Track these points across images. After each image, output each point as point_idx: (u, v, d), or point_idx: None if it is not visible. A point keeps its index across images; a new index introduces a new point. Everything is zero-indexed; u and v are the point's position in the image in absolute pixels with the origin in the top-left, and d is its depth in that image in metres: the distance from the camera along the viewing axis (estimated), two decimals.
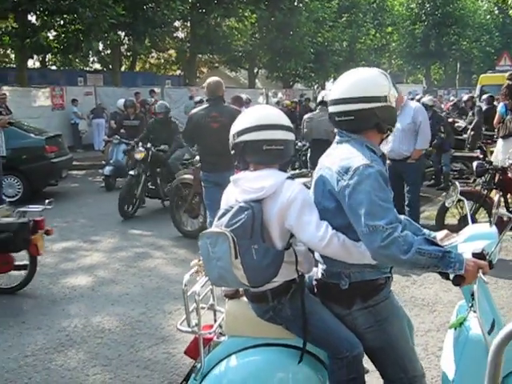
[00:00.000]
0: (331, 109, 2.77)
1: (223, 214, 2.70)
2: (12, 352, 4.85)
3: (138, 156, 9.97)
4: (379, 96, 2.68)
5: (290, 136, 2.85)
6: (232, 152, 2.88)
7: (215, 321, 3.25)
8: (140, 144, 10.33)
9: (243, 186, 2.76)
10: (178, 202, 8.56)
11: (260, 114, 2.87)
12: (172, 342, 4.89)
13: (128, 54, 30.10)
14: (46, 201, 6.18)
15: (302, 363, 2.83)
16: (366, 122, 2.70)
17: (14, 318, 5.57)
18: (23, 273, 6.26)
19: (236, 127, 2.85)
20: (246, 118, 2.84)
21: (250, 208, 2.63)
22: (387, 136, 2.85)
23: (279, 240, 2.72)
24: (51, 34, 23.53)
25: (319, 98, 8.89)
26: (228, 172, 2.95)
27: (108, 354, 4.75)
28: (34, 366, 4.59)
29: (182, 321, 2.97)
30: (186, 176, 8.65)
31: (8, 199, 10.73)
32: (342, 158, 2.64)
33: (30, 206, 6.30)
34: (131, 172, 9.89)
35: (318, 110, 8.79)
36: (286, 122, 2.87)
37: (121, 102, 14.92)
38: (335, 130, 2.85)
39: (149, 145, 10.11)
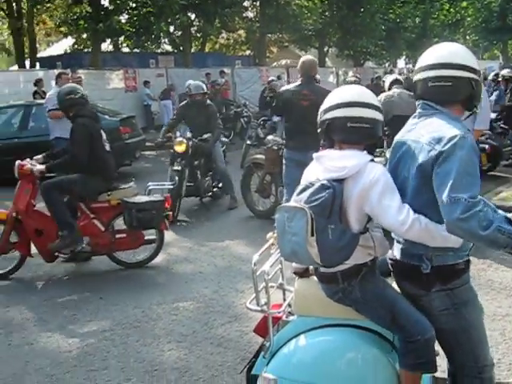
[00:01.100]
0: (425, 74, 2.71)
1: (303, 190, 2.69)
2: (91, 326, 5.04)
3: (180, 148, 8.62)
4: (475, 69, 2.67)
5: (378, 115, 2.78)
6: (318, 130, 2.87)
7: (284, 300, 3.28)
8: (178, 134, 9.25)
9: (326, 164, 2.74)
10: (248, 181, 8.59)
11: (347, 92, 2.85)
12: (245, 320, 4.95)
13: (198, 35, 30.30)
14: (131, 181, 6.59)
15: (372, 345, 2.83)
16: (462, 91, 2.66)
17: (93, 295, 5.77)
18: (149, 248, 6.59)
19: (324, 105, 2.85)
20: (333, 96, 2.84)
21: (331, 187, 2.60)
22: (470, 115, 2.77)
23: (356, 223, 2.70)
24: (123, 18, 23.97)
25: (389, 80, 8.72)
26: (313, 152, 2.92)
27: (182, 331, 4.86)
28: (111, 340, 4.76)
29: (252, 299, 3.01)
30: (258, 156, 8.67)
31: None
32: (431, 130, 2.59)
33: (156, 184, 6.88)
34: (175, 167, 8.72)
35: (394, 89, 8.62)
36: (374, 100, 2.80)
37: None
38: (417, 103, 2.78)
39: (188, 134, 8.89)
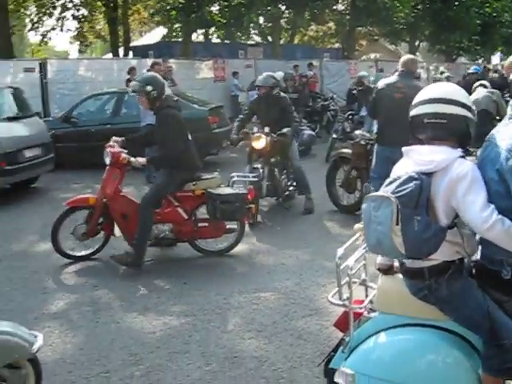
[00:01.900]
0: None
1: (391, 182, 2.73)
2: (174, 310, 5.18)
3: (258, 145, 8.03)
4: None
5: (457, 110, 2.74)
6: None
7: (366, 296, 3.28)
8: (255, 129, 8.48)
9: (414, 158, 2.76)
10: (334, 176, 8.54)
11: (428, 89, 2.86)
12: (325, 314, 4.96)
13: (288, 26, 30.32)
14: (216, 172, 6.65)
15: (454, 347, 2.79)
16: None
17: (177, 279, 5.92)
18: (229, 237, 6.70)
19: (412, 102, 2.86)
20: (419, 94, 2.87)
21: (419, 179, 2.62)
22: None
23: (443, 216, 2.68)
24: (215, 8, 24.29)
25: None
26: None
27: (263, 321, 4.93)
28: (193, 325, 4.89)
29: (334, 293, 3.03)
30: (345, 150, 8.61)
31: None
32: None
33: (240, 175, 7.17)
34: (254, 165, 8.11)
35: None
36: (456, 96, 2.77)
37: (279, 74, 15.10)
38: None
39: (266, 129, 8.15)
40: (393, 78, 7.06)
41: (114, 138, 6.57)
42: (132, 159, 6.22)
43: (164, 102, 6.25)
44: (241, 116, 8.70)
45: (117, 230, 6.39)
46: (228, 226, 6.60)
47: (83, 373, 4.16)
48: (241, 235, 6.66)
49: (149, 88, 6.14)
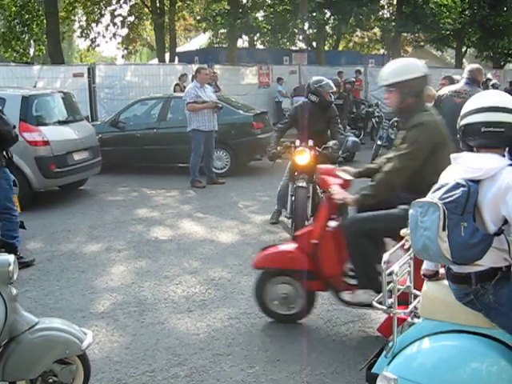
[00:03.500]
0: None
1: (438, 188, 2.75)
2: (218, 313, 5.25)
3: (302, 160, 7.16)
4: None
5: None
6: (457, 136, 2.90)
7: (410, 302, 3.28)
8: (298, 142, 7.43)
9: (462, 165, 2.76)
10: None
11: (483, 97, 2.85)
12: (368, 321, 4.98)
13: (332, 32, 30.27)
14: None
15: (499, 355, 2.78)
16: None
17: (222, 284, 6.02)
18: None
19: (461, 112, 2.88)
20: (470, 102, 2.87)
21: (466, 186, 2.63)
22: None
23: (490, 224, 2.69)
24: (260, 15, 24.42)
25: None
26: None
27: (306, 326, 4.96)
28: (237, 328, 4.96)
29: (378, 298, 3.05)
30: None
31: (216, 171, 11.48)
32: None
33: None
34: (300, 183, 7.18)
35: None
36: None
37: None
38: None
39: (310, 142, 7.31)
40: (457, 86, 7.08)
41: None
42: None
43: None
44: (279, 126, 7.96)
45: None
46: None
47: (129, 371, 4.26)
48: None
49: None
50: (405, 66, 4.35)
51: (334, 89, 7.83)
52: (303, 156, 7.14)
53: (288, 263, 4.79)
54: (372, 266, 4.41)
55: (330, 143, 7.30)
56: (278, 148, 7.51)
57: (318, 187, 7.22)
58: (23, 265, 6.37)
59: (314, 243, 4.65)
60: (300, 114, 7.61)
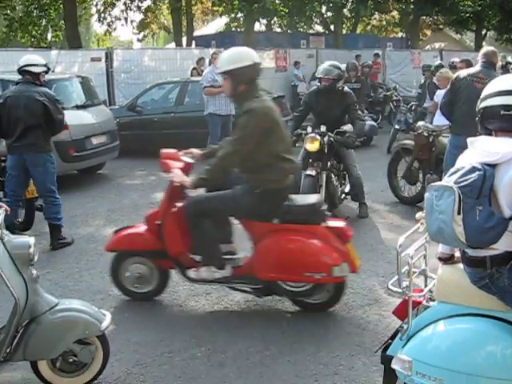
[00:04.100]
0: None
1: (454, 172, 2.75)
2: (235, 295, 5.28)
3: (312, 147, 6.95)
4: None
5: None
6: (476, 119, 2.91)
7: (425, 286, 3.31)
8: (309, 129, 7.25)
9: (479, 149, 2.77)
10: (395, 167, 8.50)
11: (503, 80, 2.85)
12: (384, 304, 5.00)
13: (350, 16, 30.05)
14: None
15: None
16: None
17: None
18: None
19: (481, 95, 2.88)
20: (490, 86, 2.87)
21: (482, 170, 2.63)
22: None
23: (506, 208, 2.69)
24: None
25: None
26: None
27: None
28: (254, 310, 5.03)
29: (394, 281, 3.08)
30: (407, 141, 8.54)
31: None
32: None
33: None
34: (308, 171, 6.92)
35: None
36: None
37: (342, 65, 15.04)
38: None
39: (323, 128, 7.11)
40: (475, 69, 6.99)
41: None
42: None
43: None
44: (296, 114, 7.83)
45: None
46: None
47: (148, 352, 4.33)
48: None
49: None
50: (236, 55, 4.67)
51: (327, 75, 7.20)
52: (313, 144, 6.97)
53: (138, 244, 5.10)
54: (212, 244, 4.85)
55: (344, 127, 7.16)
56: (293, 136, 7.23)
57: (332, 175, 7.22)
58: (65, 245, 6.78)
59: (158, 224, 4.94)
60: (314, 101, 7.49)
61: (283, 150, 4.68)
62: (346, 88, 7.52)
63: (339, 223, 4.97)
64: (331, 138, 7.08)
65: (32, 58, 6.74)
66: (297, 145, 7.42)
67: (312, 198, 5.02)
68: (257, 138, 4.50)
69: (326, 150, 7.02)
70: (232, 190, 4.73)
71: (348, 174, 7.67)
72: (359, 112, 7.65)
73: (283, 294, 4.90)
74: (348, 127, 7.16)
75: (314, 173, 6.89)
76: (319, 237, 4.67)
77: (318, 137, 6.97)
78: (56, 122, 6.54)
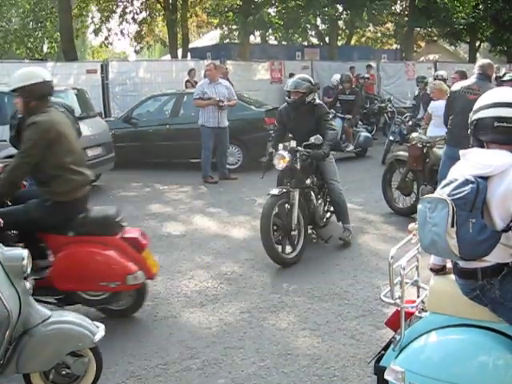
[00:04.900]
0: None
1: (446, 184, 2.75)
2: (230, 307, 5.31)
3: (280, 164, 6.54)
4: None
5: None
6: (468, 131, 2.93)
7: (418, 297, 3.33)
8: (280, 146, 6.74)
9: (471, 161, 2.78)
10: (390, 178, 8.53)
11: (497, 92, 2.87)
12: (378, 315, 5.00)
13: (345, 27, 30.17)
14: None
15: (505, 349, 2.80)
16: None
17: (234, 277, 6.08)
18: None
19: (474, 107, 2.90)
20: (483, 97, 2.88)
21: (475, 182, 2.64)
22: None
23: (499, 220, 2.70)
24: (272, 10, 24.39)
25: None
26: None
27: (317, 320, 5.00)
28: (248, 322, 5.01)
29: (386, 292, 3.10)
30: (401, 152, 8.58)
31: (229, 166, 11.52)
32: None
33: None
34: (273, 191, 6.40)
35: None
36: None
37: (336, 76, 15.14)
38: None
39: (292, 143, 6.62)
40: (469, 80, 7.05)
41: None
42: None
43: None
44: (272, 135, 7.42)
45: None
46: None
47: (142, 364, 4.33)
48: None
49: None
50: (25, 74, 4.76)
51: (296, 89, 6.82)
52: (279, 162, 6.55)
53: None
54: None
55: (312, 139, 6.54)
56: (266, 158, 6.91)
57: (312, 192, 6.89)
58: None
59: None
60: (285, 116, 7.11)
61: (72, 161, 4.75)
62: (317, 100, 7.05)
63: (135, 233, 5.04)
64: (304, 153, 6.63)
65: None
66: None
67: (108, 210, 5.08)
68: (41, 150, 4.57)
69: (298, 166, 6.55)
70: (25, 204, 4.75)
71: (328, 190, 7.14)
72: (331, 122, 7.15)
73: (84, 303, 4.94)
74: (315, 138, 6.55)
75: (277, 192, 6.36)
76: (114, 247, 4.77)
77: (284, 154, 6.50)
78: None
